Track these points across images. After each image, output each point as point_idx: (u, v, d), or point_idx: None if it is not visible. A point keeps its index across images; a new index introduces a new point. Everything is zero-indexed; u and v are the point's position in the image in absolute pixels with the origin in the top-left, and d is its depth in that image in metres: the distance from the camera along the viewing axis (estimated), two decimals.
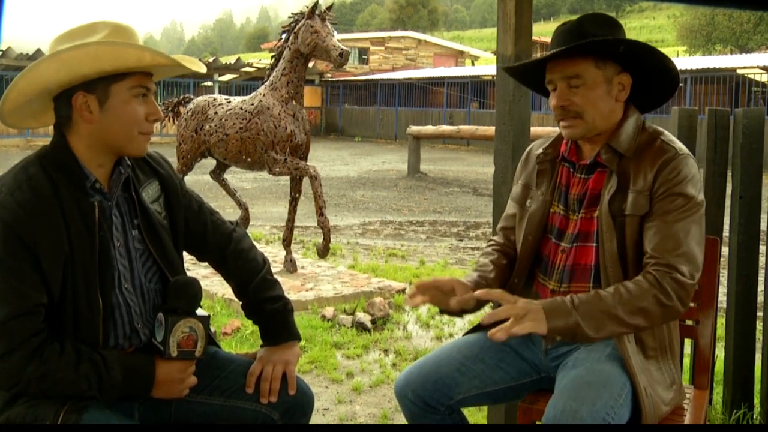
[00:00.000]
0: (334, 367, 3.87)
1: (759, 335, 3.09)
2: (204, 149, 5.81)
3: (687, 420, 1.95)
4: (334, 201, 10.93)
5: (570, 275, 1.91)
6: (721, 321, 3.49)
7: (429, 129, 15.32)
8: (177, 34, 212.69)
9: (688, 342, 2.46)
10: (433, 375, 1.95)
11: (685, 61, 23.44)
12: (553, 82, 1.89)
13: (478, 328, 2.09)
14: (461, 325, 4.53)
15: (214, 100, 5.87)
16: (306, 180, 5.58)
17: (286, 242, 5.74)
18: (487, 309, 1.99)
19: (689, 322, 2.22)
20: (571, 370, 1.82)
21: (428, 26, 66.39)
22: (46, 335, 1.57)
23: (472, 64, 36.59)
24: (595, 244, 1.87)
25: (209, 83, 26.15)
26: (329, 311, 4.71)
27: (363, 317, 4.61)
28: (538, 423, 1.94)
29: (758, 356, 3.06)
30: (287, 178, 6.15)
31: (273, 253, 6.32)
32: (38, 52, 21.07)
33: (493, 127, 3.19)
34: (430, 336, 4.48)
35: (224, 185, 6.33)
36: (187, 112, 5.91)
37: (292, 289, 5.14)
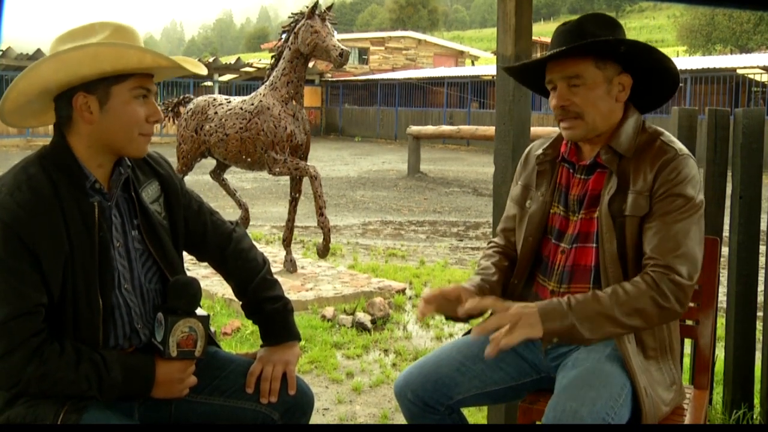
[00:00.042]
0: (334, 367, 3.88)
1: (759, 335, 3.09)
2: (204, 149, 5.81)
3: (687, 420, 1.95)
4: (334, 201, 10.93)
5: (570, 276, 1.91)
6: (721, 321, 3.49)
7: (429, 129, 15.32)
8: (177, 34, 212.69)
9: (688, 342, 2.46)
10: (433, 375, 1.96)
11: (685, 61, 23.45)
12: (553, 82, 1.89)
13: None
14: (461, 325, 4.53)
15: (214, 100, 5.87)
16: (306, 180, 5.58)
17: (286, 242, 5.74)
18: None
19: (689, 322, 2.23)
20: (571, 371, 1.82)
21: (428, 26, 66.40)
22: (46, 335, 1.57)
23: (472, 64, 36.60)
24: (595, 245, 1.87)
25: (209, 83, 26.15)
26: (329, 311, 4.71)
27: (363, 317, 4.61)
28: (538, 423, 1.94)
29: (758, 356, 3.06)
30: (287, 178, 6.16)
31: (273, 253, 6.32)
32: (38, 52, 21.07)
33: (493, 127, 3.19)
34: (430, 336, 4.48)
35: (224, 185, 6.33)
36: (187, 112, 5.91)
37: (292, 289, 5.14)
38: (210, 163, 6.29)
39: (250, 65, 27.53)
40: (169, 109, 6.36)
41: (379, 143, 26.36)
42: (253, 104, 5.52)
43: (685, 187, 1.79)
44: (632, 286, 1.75)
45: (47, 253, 1.56)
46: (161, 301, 1.78)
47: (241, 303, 1.98)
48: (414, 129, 15.13)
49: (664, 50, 1.93)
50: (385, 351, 4.20)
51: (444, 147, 23.90)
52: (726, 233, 3.00)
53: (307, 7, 5.42)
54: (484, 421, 2.93)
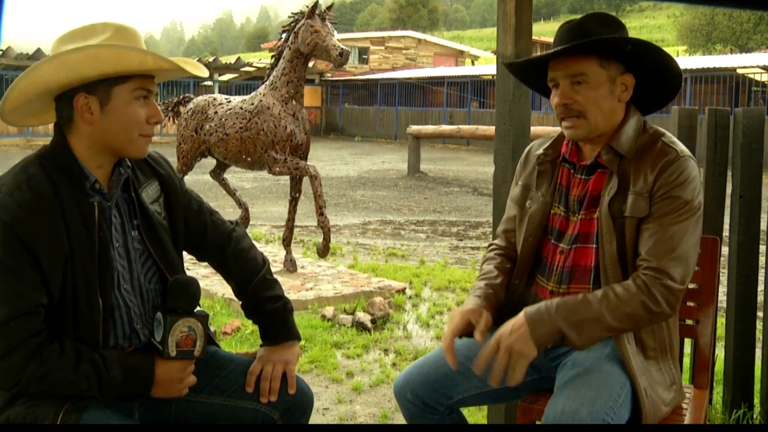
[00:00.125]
0: (334, 366, 3.88)
1: (759, 335, 3.09)
2: (204, 149, 5.81)
3: (687, 420, 1.95)
4: (334, 201, 10.93)
5: (569, 276, 1.91)
6: (721, 321, 3.49)
7: (429, 129, 15.32)
8: (177, 34, 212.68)
9: (688, 342, 2.46)
10: (433, 375, 1.96)
11: (685, 60, 23.44)
12: (555, 79, 1.87)
13: None
14: None
15: (214, 99, 5.87)
16: (306, 180, 5.58)
17: (286, 242, 5.74)
18: None
19: (689, 322, 2.23)
20: (570, 370, 1.81)
21: (428, 26, 66.37)
22: (46, 335, 1.57)
23: (472, 63, 36.59)
24: (595, 246, 1.87)
25: (209, 83, 26.15)
26: (329, 311, 4.71)
27: (363, 317, 4.61)
28: (537, 423, 1.94)
29: (758, 356, 3.06)
30: (287, 177, 6.16)
31: (273, 253, 6.32)
32: (38, 51, 21.08)
33: (493, 127, 3.19)
34: (430, 336, 4.48)
35: (224, 185, 6.33)
36: (187, 112, 5.91)
37: (292, 288, 5.14)
38: (210, 162, 6.29)
39: (250, 65, 27.53)
40: (169, 108, 6.36)
41: (379, 143, 26.36)
42: (253, 104, 5.52)
43: (684, 189, 1.78)
44: (623, 289, 1.75)
45: (47, 253, 1.56)
46: (161, 301, 1.78)
47: (240, 303, 1.98)
48: (414, 129, 15.13)
49: (664, 50, 1.92)
50: (385, 351, 4.20)
51: (444, 147, 23.90)
52: (726, 233, 3.00)
53: (307, 6, 5.42)
54: (484, 421, 2.93)
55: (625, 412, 1.74)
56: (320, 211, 5.35)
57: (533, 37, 2.80)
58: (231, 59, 29.49)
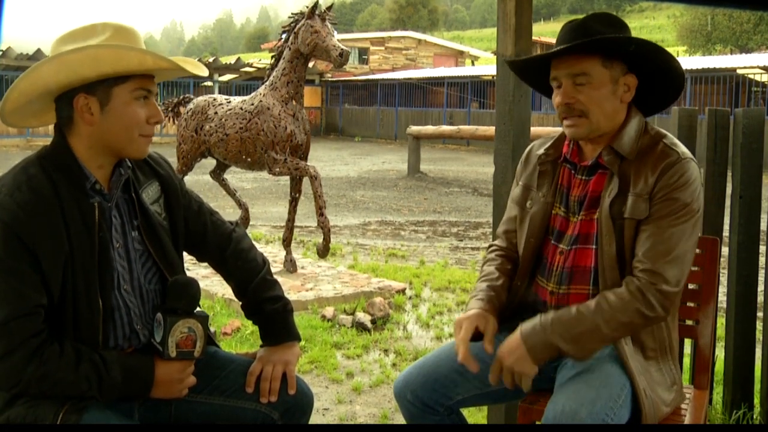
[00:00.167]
0: (334, 367, 3.88)
1: (759, 335, 3.09)
2: (204, 149, 5.81)
3: (687, 420, 1.95)
4: (334, 201, 10.93)
5: (569, 277, 1.90)
6: (721, 321, 3.49)
7: (429, 129, 15.32)
8: (177, 34, 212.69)
9: (688, 342, 2.46)
10: (432, 375, 1.95)
11: (685, 61, 23.42)
12: (557, 79, 1.87)
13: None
14: None
15: (214, 100, 5.87)
16: (306, 180, 5.58)
17: (286, 242, 5.74)
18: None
19: (689, 322, 2.22)
20: (570, 371, 1.82)
21: (428, 26, 66.37)
22: (46, 336, 1.57)
23: (472, 64, 36.59)
24: (594, 247, 1.87)
25: (209, 83, 26.15)
26: (329, 311, 4.71)
27: (363, 317, 4.61)
28: (537, 423, 1.94)
29: (758, 356, 3.06)
30: (287, 178, 6.16)
31: (273, 253, 6.32)
32: (38, 52, 21.08)
33: (493, 127, 3.19)
34: (430, 336, 4.48)
35: (224, 185, 6.33)
36: (187, 112, 5.91)
37: (292, 289, 5.14)
38: (210, 163, 6.29)
39: (250, 65, 27.53)
40: (169, 109, 6.36)
41: (379, 143, 26.36)
42: (253, 104, 5.52)
43: (684, 191, 1.78)
44: (616, 297, 1.75)
45: (47, 253, 1.56)
46: (161, 301, 1.78)
47: (240, 303, 1.98)
48: (414, 129, 15.13)
49: (668, 50, 1.92)
50: (385, 351, 4.20)
51: (444, 147, 23.90)
52: (726, 233, 3.00)
53: (307, 7, 5.42)
54: (484, 421, 2.93)
55: (625, 413, 1.74)
56: (320, 212, 5.35)
57: (533, 38, 2.80)
58: (231, 59, 29.49)
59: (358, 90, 30.97)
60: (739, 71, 19.34)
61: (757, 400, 3.06)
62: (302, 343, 3.99)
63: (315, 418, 2.34)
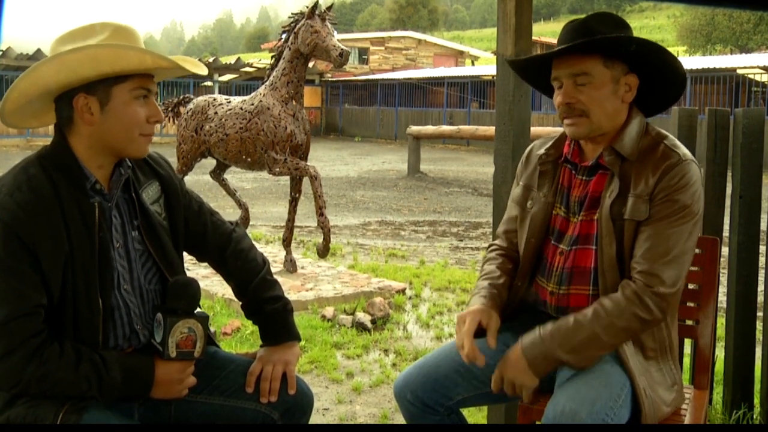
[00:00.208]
0: (334, 367, 3.88)
1: (759, 335, 3.09)
2: (204, 149, 5.81)
3: (687, 420, 1.95)
4: (334, 201, 10.93)
5: (569, 278, 1.90)
6: (721, 321, 3.49)
7: (429, 129, 15.32)
8: (177, 34, 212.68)
9: (688, 342, 2.46)
10: (432, 376, 1.95)
11: (685, 61, 23.42)
12: (559, 79, 1.86)
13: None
14: None
15: (214, 100, 5.87)
16: (306, 180, 5.58)
17: (286, 242, 5.74)
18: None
19: (689, 322, 2.22)
20: (570, 371, 1.81)
21: (428, 26, 66.35)
22: (46, 336, 1.57)
23: (472, 64, 36.59)
24: (594, 247, 1.86)
25: (209, 83, 26.15)
26: (329, 311, 4.71)
27: (363, 317, 4.61)
28: (538, 423, 1.94)
29: (758, 356, 3.06)
30: (287, 178, 6.16)
31: (273, 253, 6.32)
32: (38, 52, 21.08)
33: (493, 127, 3.20)
34: (430, 336, 4.48)
35: (224, 185, 6.33)
36: (187, 112, 5.91)
37: (292, 289, 5.14)
38: (210, 163, 6.29)
39: (250, 65, 27.52)
40: (169, 109, 6.36)
41: (379, 143, 26.36)
42: (253, 104, 5.52)
43: (684, 193, 1.77)
44: (613, 303, 1.76)
45: (47, 253, 1.56)
46: (161, 301, 1.78)
47: (241, 303, 1.98)
48: (414, 129, 15.13)
49: (669, 51, 1.91)
50: (385, 351, 4.20)
51: (444, 147, 23.90)
52: (726, 233, 2.99)
53: (307, 7, 5.42)
54: (484, 421, 2.93)
55: (625, 413, 1.74)
56: (320, 212, 5.35)
57: (533, 38, 2.80)
58: (231, 59, 29.49)
59: (358, 90, 30.97)
60: (739, 71, 19.34)
61: (757, 400, 3.06)
62: (302, 343, 3.99)
63: (315, 418, 2.34)
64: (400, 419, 2.75)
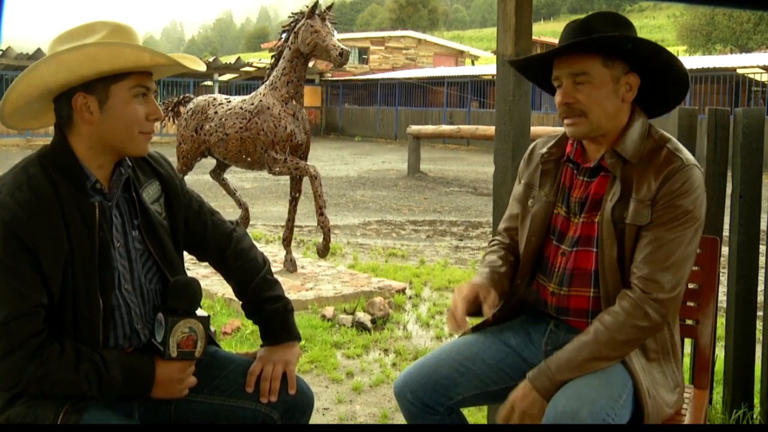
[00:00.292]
0: (334, 366, 3.88)
1: (759, 335, 3.09)
2: (204, 149, 5.81)
3: (687, 420, 1.95)
4: (334, 201, 10.93)
5: (570, 279, 1.90)
6: (721, 321, 3.49)
7: (429, 129, 15.32)
8: (177, 34, 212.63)
9: (688, 342, 2.45)
10: (433, 375, 1.95)
11: (685, 60, 23.37)
12: (559, 78, 1.86)
13: (477, 328, 2.08)
14: None
15: (214, 99, 5.87)
16: (306, 180, 5.59)
17: (286, 242, 5.74)
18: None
19: (689, 322, 2.22)
20: None
21: (428, 26, 66.34)
22: (46, 336, 1.57)
23: (472, 63, 36.58)
24: (595, 250, 1.86)
25: (209, 83, 26.15)
26: (329, 311, 4.71)
27: (363, 317, 4.61)
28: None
29: (758, 356, 3.06)
30: (287, 177, 6.16)
31: (273, 253, 6.32)
32: (38, 51, 21.07)
33: (493, 127, 3.19)
34: (430, 336, 4.48)
35: (224, 185, 6.33)
36: (187, 112, 5.91)
37: (292, 288, 5.14)
38: (210, 162, 6.29)
39: (250, 65, 27.53)
40: (169, 108, 6.36)
41: (379, 143, 26.36)
42: (253, 104, 5.52)
43: (686, 198, 1.76)
44: (612, 318, 1.76)
45: (47, 253, 1.56)
46: (161, 301, 1.78)
47: (241, 303, 1.98)
48: (414, 129, 15.13)
49: (668, 50, 1.90)
50: (385, 351, 4.20)
51: (444, 147, 23.90)
52: (726, 233, 2.99)
53: (307, 6, 5.42)
54: (484, 421, 2.93)
55: (626, 413, 1.73)
56: (320, 211, 5.35)
57: (533, 37, 2.80)
58: (231, 59, 29.49)
59: (358, 90, 30.97)
60: (739, 71, 19.34)
61: (757, 400, 3.06)
62: (302, 342, 3.99)
63: (315, 418, 2.34)
64: (400, 419, 2.75)
